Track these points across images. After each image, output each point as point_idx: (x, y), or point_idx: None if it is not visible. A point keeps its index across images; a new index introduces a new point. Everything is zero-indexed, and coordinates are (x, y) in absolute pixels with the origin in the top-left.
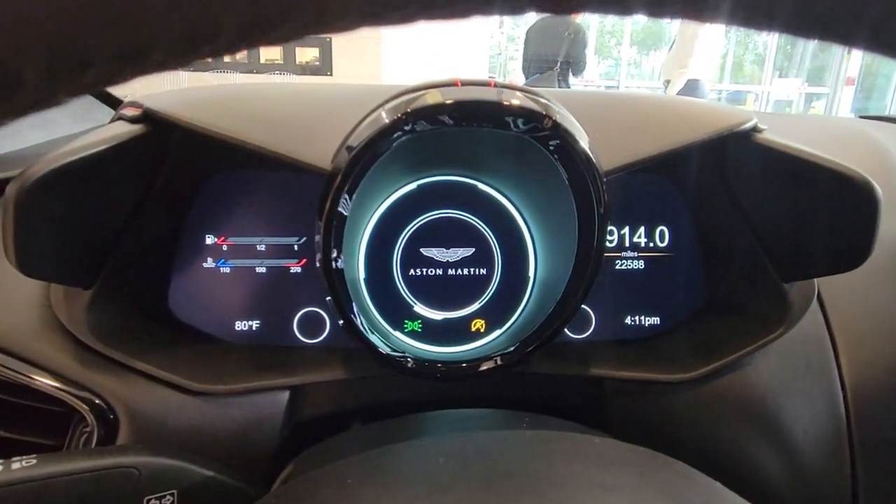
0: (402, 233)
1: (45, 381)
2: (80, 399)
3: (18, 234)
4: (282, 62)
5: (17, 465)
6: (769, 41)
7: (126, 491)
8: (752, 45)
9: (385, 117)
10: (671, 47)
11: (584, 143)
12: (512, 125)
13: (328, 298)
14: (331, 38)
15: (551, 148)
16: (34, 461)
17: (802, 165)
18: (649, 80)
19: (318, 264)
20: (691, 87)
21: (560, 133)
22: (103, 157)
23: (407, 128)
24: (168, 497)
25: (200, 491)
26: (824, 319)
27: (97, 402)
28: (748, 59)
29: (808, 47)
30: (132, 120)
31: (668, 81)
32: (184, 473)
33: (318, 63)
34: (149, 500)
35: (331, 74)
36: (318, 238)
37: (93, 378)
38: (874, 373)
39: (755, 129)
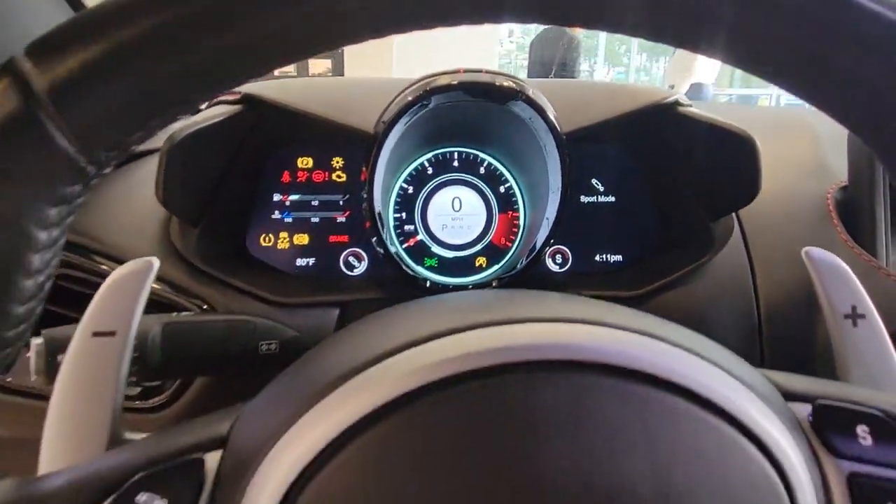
0: (421, 190)
1: (166, 290)
2: (191, 303)
3: (165, 176)
4: (295, 74)
5: (185, 314)
6: None
7: (248, 335)
8: None
9: (409, 95)
10: (673, 52)
11: (550, 113)
12: (500, 99)
13: (373, 239)
14: (343, 51)
15: (529, 118)
16: (197, 312)
17: (710, 129)
18: (658, 86)
19: (363, 211)
20: (696, 91)
21: (533, 105)
22: (215, 128)
23: (425, 102)
24: (273, 343)
25: (291, 344)
26: (746, 250)
27: (204, 306)
28: None
29: None
30: (232, 102)
31: (672, 86)
32: (280, 331)
33: (329, 74)
34: (261, 344)
35: None
36: (364, 191)
37: (200, 289)
38: (781, 289)
39: (678, 104)
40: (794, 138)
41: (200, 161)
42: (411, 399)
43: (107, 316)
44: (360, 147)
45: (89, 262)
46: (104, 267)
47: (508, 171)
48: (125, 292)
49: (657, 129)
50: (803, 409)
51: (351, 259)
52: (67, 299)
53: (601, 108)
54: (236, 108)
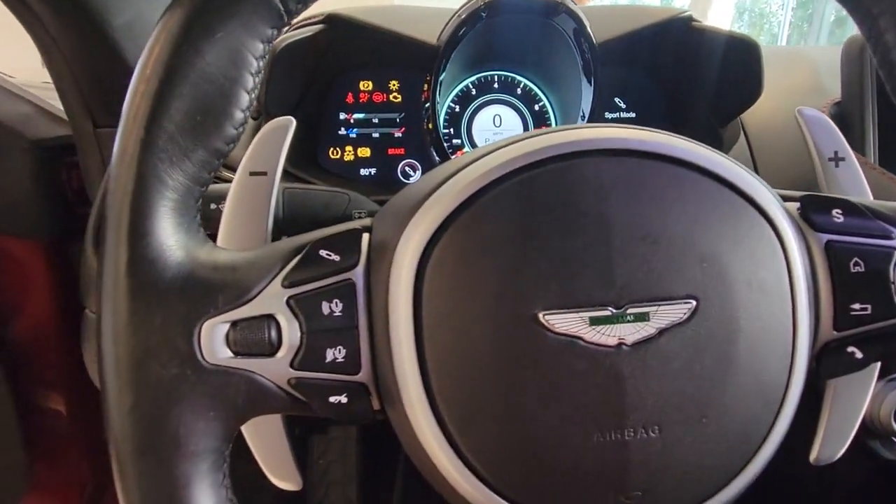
0: (467, 108)
1: None
2: None
3: (267, 83)
4: None
5: (297, 184)
6: (783, 20)
7: (344, 204)
8: (768, 26)
9: (465, 12)
10: None
11: (588, 24)
12: (546, 13)
13: (431, 148)
14: None
15: (570, 30)
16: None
17: (720, 37)
18: None
19: (424, 123)
20: None
21: (574, 17)
22: (302, 44)
23: (482, 14)
24: (363, 213)
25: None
26: (750, 154)
27: None
28: (763, 40)
29: (823, 26)
30: (315, 22)
31: None
32: (367, 203)
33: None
34: (354, 212)
35: None
36: (424, 108)
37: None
38: (780, 176)
39: (692, 18)
40: (795, 67)
41: (290, 73)
42: (509, 177)
43: (260, 159)
44: (414, 70)
45: None
46: None
47: (542, 91)
48: (273, 141)
49: (673, 42)
50: (793, 206)
51: (407, 169)
52: None
53: (625, 23)
54: (318, 27)
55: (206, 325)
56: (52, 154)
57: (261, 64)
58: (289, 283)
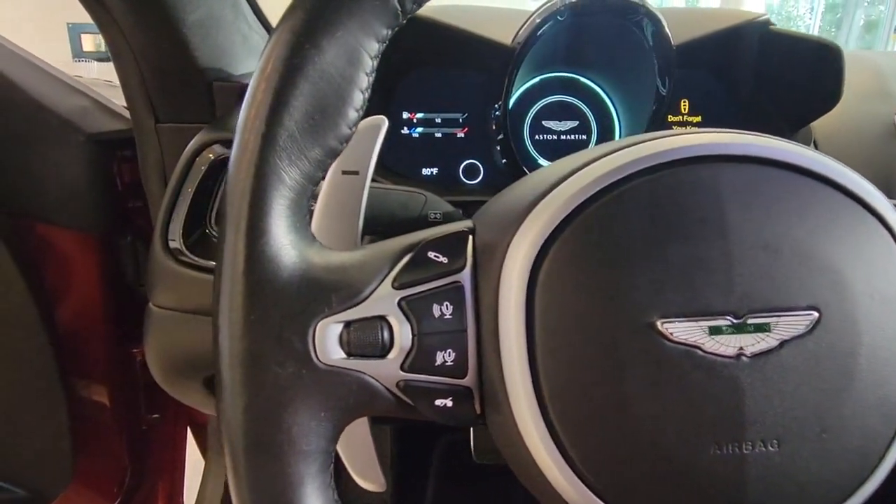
0: (529, 110)
1: None
2: None
3: None
4: None
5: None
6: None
7: (421, 204)
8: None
9: (544, 13)
10: None
11: (666, 26)
12: (625, 13)
13: (497, 147)
14: None
15: (648, 31)
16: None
17: (801, 42)
18: None
19: (492, 126)
20: None
21: (652, 18)
22: None
23: (559, 17)
24: (439, 214)
25: (450, 217)
26: None
27: None
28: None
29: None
30: None
31: None
32: (442, 204)
33: None
34: (430, 213)
35: None
36: (496, 105)
37: None
38: None
39: (769, 22)
40: (859, 71)
41: None
42: (626, 181)
43: (352, 158)
44: (481, 71)
45: None
46: None
47: (606, 94)
48: (366, 140)
49: (749, 46)
50: None
51: (469, 170)
52: None
53: (700, 26)
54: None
55: (321, 326)
56: (107, 148)
57: (375, 64)
58: (399, 285)
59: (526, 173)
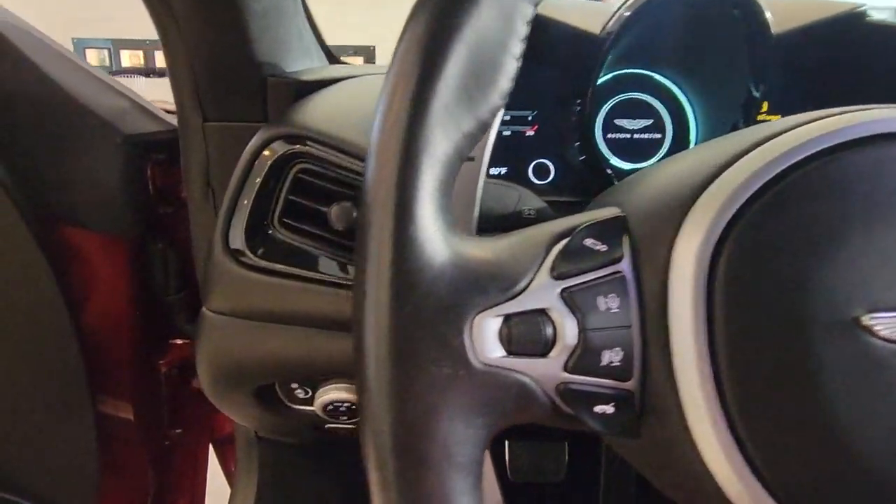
0: (602, 108)
1: None
2: None
3: None
4: None
5: None
6: None
7: (515, 199)
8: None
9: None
10: None
11: (766, 14)
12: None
13: (576, 145)
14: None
15: (744, 25)
16: None
17: None
18: None
19: (572, 118)
20: None
21: (752, 8)
22: None
23: (658, 8)
24: (532, 210)
25: (542, 213)
26: None
27: None
28: None
29: None
30: None
31: None
32: (535, 200)
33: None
34: (524, 209)
35: None
36: (578, 100)
37: None
38: None
39: (865, 14)
40: None
41: None
42: (814, 159)
43: None
44: (552, 66)
45: (330, 155)
46: (338, 159)
47: (682, 90)
48: None
49: (843, 38)
50: None
51: (539, 169)
52: (312, 192)
53: (794, 18)
54: None
55: (478, 319)
56: (142, 150)
57: (527, 32)
58: (558, 275)
59: (606, 173)
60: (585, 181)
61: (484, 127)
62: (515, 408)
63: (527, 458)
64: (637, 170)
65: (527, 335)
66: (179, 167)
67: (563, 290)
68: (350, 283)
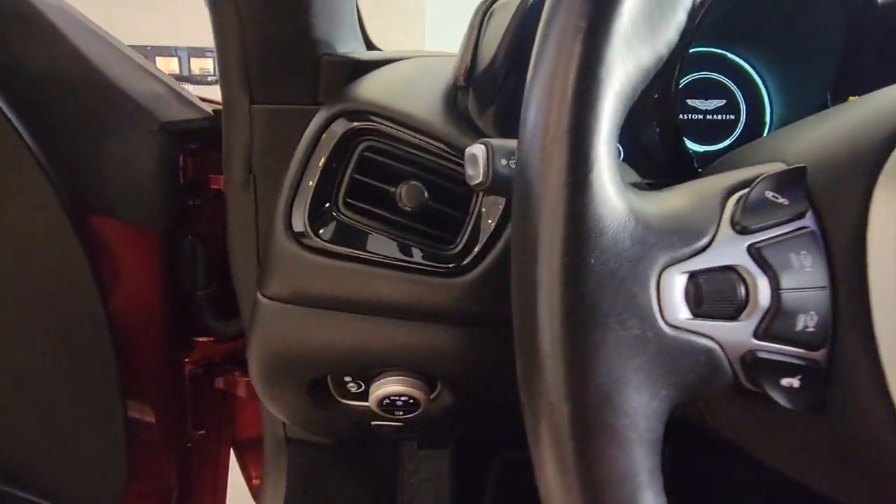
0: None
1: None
2: None
3: (475, 47)
4: None
5: None
6: None
7: None
8: None
9: None
10: None
11: None
12: None
13: (654, 124)
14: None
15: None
16: None
17: None
18: None
19: (654, 95)
20: None
21: None
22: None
23: None
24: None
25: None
26: None
27: None
28: None
29: None
30: None
31: None
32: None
33: None
34: None
35: None
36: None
37: None
38: None
39: None
40: None
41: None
42: None
43: None
44: None
45: (398, 131)
46: (407, 136)
47: (755, 69)
48: None
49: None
50: None
51: None
52: (379, 171)
53: None
54: None
55: (666, 275)
56: (175, 138)
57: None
58: (742, 229)
59: (684, 154)
60: (657, 162)
61: (659, 63)
62: (698, 379)
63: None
64: (712, 152)
65: (718, 294)
66: (211, 157)
67: (751, 245)
68: (418, 266)
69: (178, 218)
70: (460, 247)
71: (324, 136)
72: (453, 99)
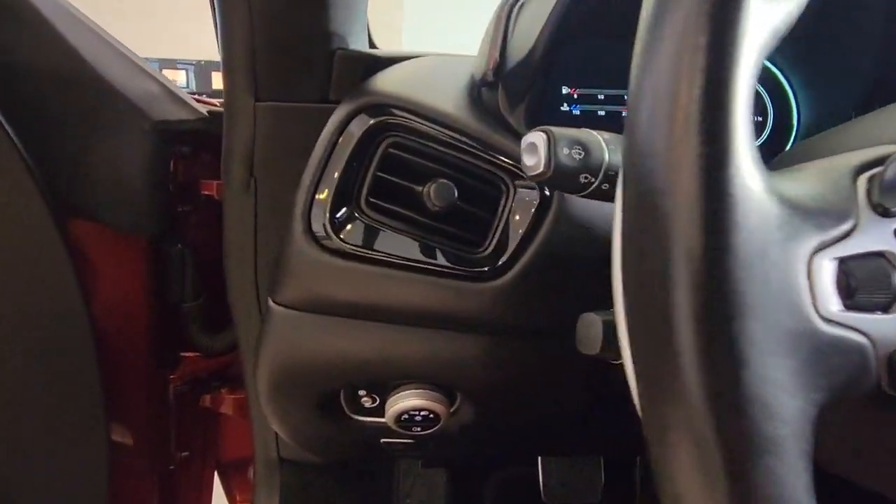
0: None
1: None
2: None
3: (503, 40)
4: None
5: None
6: None
7: None
8: None
9: None
10: None
11: None
12: None
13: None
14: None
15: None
16: None
17: None
18: None
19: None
20: None
21: None
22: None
23: None
24: None
25: None
26: None
27: None
28: None
29: None
30: None
31: None
32: None
33: None
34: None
35: None
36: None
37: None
38: None
39: None
40: None
41: (526, 30)
42: None
43: None
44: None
45: (425, 126)
46: (434, 131)
47: (783, 73)
48: None
49: None
50: None
51: None
52: (404, 169)
53: None
54: None
55: (816, 259)
56: (167, 140)
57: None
58: (883, 211)
59: None
60: None
61: (787, 24)
62: (846, 381)
63: (561, 477)
64: None
65: (871, 283)
66: (203, 161)
67: None
68: (448, 270)
69: (167, 224)
70: (490, 249)
71: (345, 132)
72: (477, 94)
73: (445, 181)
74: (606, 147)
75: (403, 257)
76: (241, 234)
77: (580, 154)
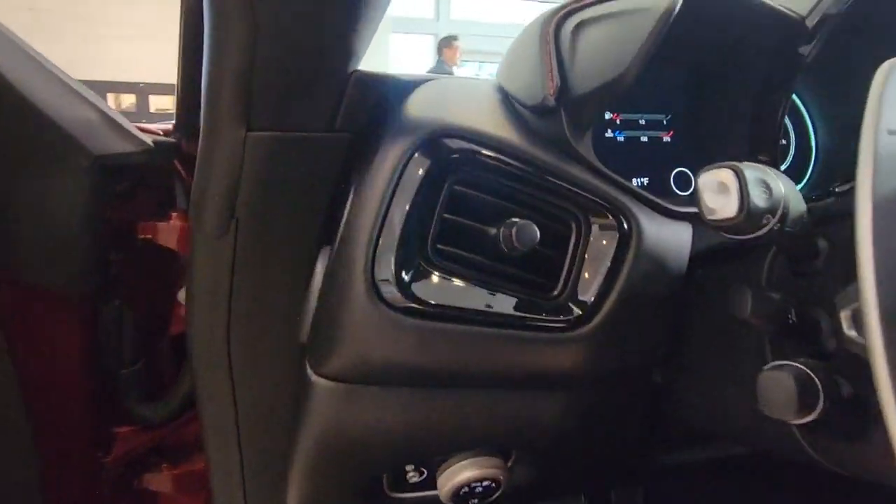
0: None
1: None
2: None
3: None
4: None
5: None
6: None
7: None
8: None
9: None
10: None
11: None
12: None
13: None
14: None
15: None
16: None
17: None
18: None
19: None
20: None
21: None
22: None
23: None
24: None
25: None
26: None
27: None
28: None
29: None
30: None
31: None
32: None
33: None
34: None
35: None
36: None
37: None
38: None
39: None
40: None
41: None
42: None
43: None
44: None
45: (492, 161)
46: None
47: (802, 100)
48: None
49: None
50: None
51: (681, 179)
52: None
53: None
54: None
55: None
56: (108, 177)
57: None
58: None
59: None
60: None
61: None
62: None
63: None
64: None
65: None
66: (140, 200)
67: None
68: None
69: (103, 278)
70: (564, 293)
71: (408, 170)
72: (524, 121)
73: (528, 222)
74: (780, 180)
75: (484, 311)
76: (213, 280)
77: (766, 193)
